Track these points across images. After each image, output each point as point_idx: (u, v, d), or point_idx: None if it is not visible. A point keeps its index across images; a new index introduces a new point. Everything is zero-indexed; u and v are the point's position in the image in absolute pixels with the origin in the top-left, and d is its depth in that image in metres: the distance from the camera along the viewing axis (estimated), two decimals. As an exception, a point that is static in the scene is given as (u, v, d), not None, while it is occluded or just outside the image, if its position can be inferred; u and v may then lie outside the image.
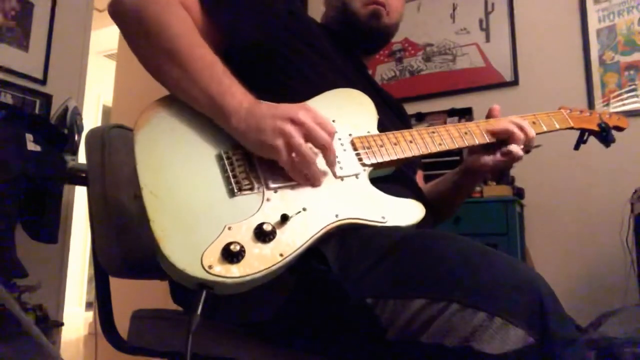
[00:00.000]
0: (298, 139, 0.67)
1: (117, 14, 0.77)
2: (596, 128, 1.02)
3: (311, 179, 0.69)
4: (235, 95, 0.70)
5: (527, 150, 0.90)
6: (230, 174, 0.68)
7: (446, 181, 1.05)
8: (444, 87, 2.78)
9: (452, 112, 2.66)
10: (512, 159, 0.88)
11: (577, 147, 1.04)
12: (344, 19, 1.00)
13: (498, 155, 0.89)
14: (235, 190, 0.67)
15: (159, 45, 0.73)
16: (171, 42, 0.72)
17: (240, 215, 0.64)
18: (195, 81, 0.71)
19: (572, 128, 1.00)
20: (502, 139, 0.88)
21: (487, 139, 0.88)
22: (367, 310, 0.62)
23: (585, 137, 1.03)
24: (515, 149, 0.87)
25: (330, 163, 0.70)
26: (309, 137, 0.68)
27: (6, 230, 1.56)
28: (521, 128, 0.88)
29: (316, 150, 0.69)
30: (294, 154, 0.67)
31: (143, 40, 0.75)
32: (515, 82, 2.60)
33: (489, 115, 0.93)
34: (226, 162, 0.70)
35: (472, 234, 1.85)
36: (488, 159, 0.90)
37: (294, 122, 0.67)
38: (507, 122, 0.89)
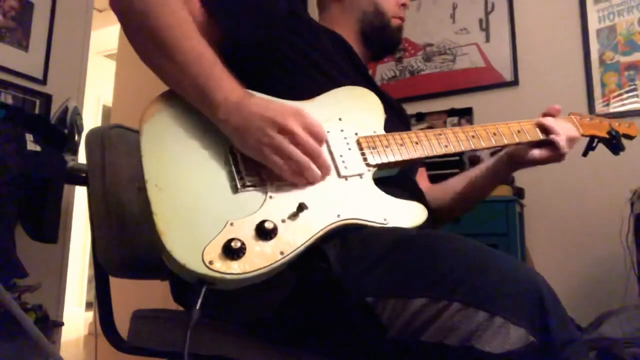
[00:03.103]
0: (287, 146, 0.66)
1: (118, 9, 0.77)
2: (605, 135, 1.02)
3: (310, 179, 0.69)
4: (222, 88, 0.70)
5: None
6: (235, 169, 0.68)
7: (479, 170, 1.06)
8: (444, 87, 2.78)
9: (452, 112, 2.66)
10: (558, 153, 0.91)
11: (585, 154, 1.04)
12: (376, 24, 1.03)
13: (545, 150, 0.92)
14: (239, 186, 0.67)
15: (151, 39, 0.73)
16: (161, 35, 0.72)
17: (242, 211, 0.64)
18: (185, 73, 0.71)
19: (582, 135, 1.00)
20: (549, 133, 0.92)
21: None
22: (368, 309, 0.62)
23: (594, 144, 1.04)
24: (561, 142, 0.90)
25: (323, 168, 0.70)
26: (297, 145, 0.67)
27: (6, 230, 1.56)
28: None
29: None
30: (287, 161, 0.67)
31: (139, 34, 0.75)
32: (515, 82, 2.60)
33: (546, 114, 0.97)
34: (231, 157, 0.70)
35: (472, 234, 1.84)
36: (536, 151, 0.93)
37: (283, 130, 0.67)
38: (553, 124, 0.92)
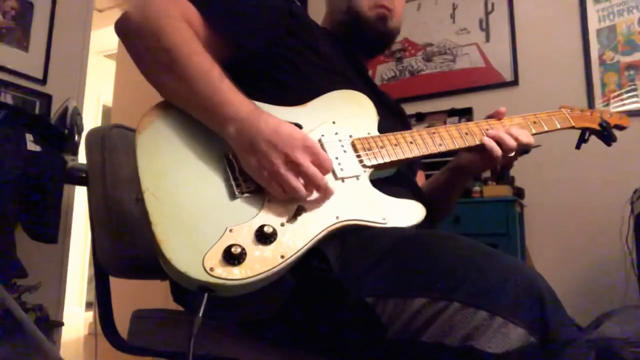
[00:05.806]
0: (290, 179, 0.65)
1: (122, 31, 0.78)
2: (597, 127, 1.02)
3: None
4: (232, 103, 0.70)
5: (526, 150, 0.90)
6: (231, 175, 0.68)
7: (437, 180, 1.05)
8: (444, 87, 2.78)
9: (452, 112, 2.66)
10: (495, 160, 0.85)
11: (578, 147, 1.03)
12: (350, 21, 1.00)
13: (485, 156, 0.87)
14: (237, 192, 0.67)
15: (157, 58, 0.73)
16: (168, 53, 0.72)
17: (241, 217, 0.64)
18: (192, 91, 0.71)
19: (573, 127, 1.00)
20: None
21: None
22: (368, 309, 0.62)
23: (586, 136, 1.03)
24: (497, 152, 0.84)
25: (324, 200, 0.69)
26: (302, 178, 0.66)
27: (6, 230, 1.56)
28: (500, 142, 0.85)
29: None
30: (285, 189, 0.66)
31: (144, 54, 0.76)
32: (515, 82, 2.60)
33: (493, 116, 0.93)
34: (227, 164, 0.70)
35: (472, 234, 1.85)
36: (477, 157, 0.90)
37: (289, 161, 0.65)
38: (500, 132, 0.86)
